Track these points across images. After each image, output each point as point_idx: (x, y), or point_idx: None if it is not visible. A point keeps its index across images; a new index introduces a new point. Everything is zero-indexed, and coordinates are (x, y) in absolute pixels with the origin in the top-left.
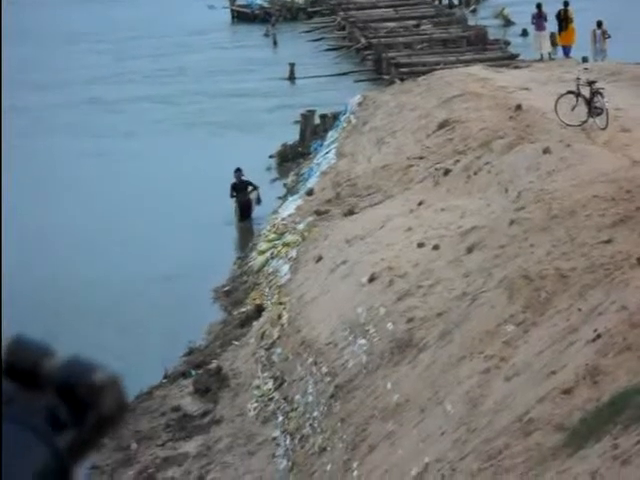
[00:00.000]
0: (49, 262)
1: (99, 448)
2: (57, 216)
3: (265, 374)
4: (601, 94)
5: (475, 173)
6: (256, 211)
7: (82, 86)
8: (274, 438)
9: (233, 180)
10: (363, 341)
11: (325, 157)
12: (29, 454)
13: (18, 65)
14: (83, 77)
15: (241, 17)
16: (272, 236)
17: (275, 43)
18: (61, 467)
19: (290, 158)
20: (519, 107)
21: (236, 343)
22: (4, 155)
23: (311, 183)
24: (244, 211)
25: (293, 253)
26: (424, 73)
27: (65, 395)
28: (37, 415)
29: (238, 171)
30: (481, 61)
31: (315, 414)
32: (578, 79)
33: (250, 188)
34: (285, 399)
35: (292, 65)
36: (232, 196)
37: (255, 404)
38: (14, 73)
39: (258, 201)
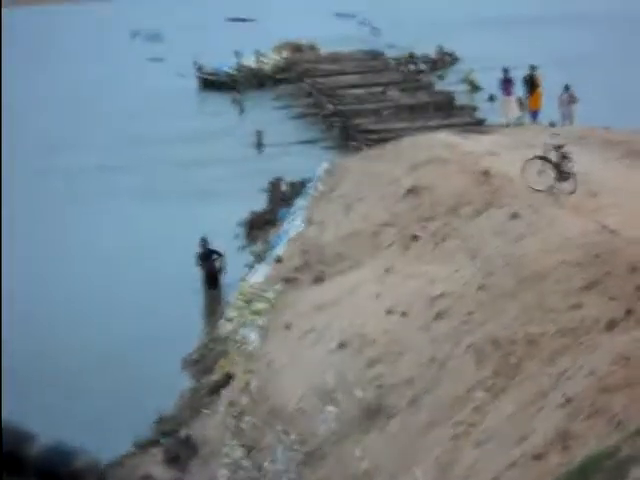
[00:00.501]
0: (15, 327)
1: None
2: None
3: (235, 442)
4: (569, 158)
5: (443, 239)
6: (224, 278)
7: (42, 153)
8: None
9: (199, 249)
10: (332, 408)
11: (293, 224)
12: None
13: None
14: (43, 143)
15: (208, 84)
16: (240, 303)
17: (242, 110)
18: None
19: (258, 226)
20: (487, 172)
21: (206, 411)
22: None
23: (279, 250)
24: (211, 279)
25: (261, 321)
26: (391, 139)
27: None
28: None
29: (203, 240)
30: (448, 126)
31: None
32: (546, 143)
33: (215, 256)
34: (255, 467)
35: (259, 132)
36: (198, 265)
37: (225, 472)
38: None
39: (222, 269)
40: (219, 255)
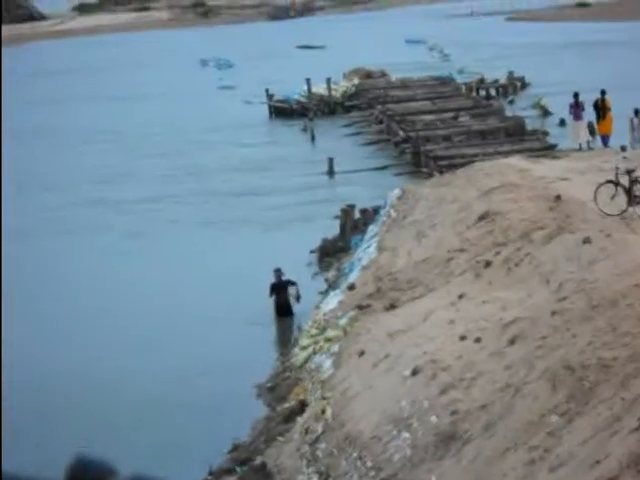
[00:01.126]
0: (89, 360)
1: None
2: (104, 309)
3: (310, 469)
4: None
5: (516, 264)
6: (297, 307)
7: (110, 185)
8: None
9: (272, 280)
10: (407, 434)
11: (366, 251)
12: None
13: (27, 165)
14: (106, 175)
15: (279, 112)
16: (314, 331)
17: (313, 138)
18: None
19: (331, 253)
20: (558, 197)
21: (280, 439)
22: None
23: (352, 277)
24: (284, 310)
25: (335, 348)
26: (463, 165)
27: None
28: None
29: (278, 271)
30: (519, 152)
31: None
32: (617, 168)
33: (290, 287)
34: None
35: (331, 160)
36: (271, 296)
37: None
38: (22, 174)
39: (298, 298)
40: (293, 284)
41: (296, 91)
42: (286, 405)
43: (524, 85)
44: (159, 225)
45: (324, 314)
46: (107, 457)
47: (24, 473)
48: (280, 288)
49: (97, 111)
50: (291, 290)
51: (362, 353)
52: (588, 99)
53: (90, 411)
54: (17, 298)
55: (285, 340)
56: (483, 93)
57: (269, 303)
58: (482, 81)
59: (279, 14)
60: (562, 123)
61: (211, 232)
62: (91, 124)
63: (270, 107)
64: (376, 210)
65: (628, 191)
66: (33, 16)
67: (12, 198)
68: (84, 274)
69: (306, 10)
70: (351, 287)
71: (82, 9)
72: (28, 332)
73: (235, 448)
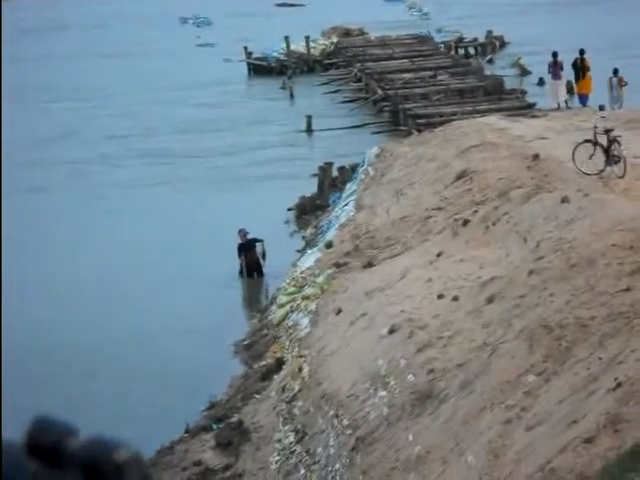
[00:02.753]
0: (66, 318)
1: None
2: (70, 274)
3: (286, 427)
4: (618, 142)
5: (494, 223)
6: (272, 265)
7: (93, 142)
8: None
9: (239, 241)
10: (384, 393)
11: (343, 209)
12: None
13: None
14: (93, 133)
15: (257, 70)
16: (291, 289)
17: (292, 95)
18: None
19: (308, 211)
20: (537, 156)
21: (257, 397)
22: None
23: (330, 236)
24: (254, 270)
25: (313, 306)
26: (441, 124)
27: (89, 473)
28: None
29: (242, 231)
30: (498, 111)
31: (337, 467)
32: (595, 127)
33: (257, 244)
34: (307, 452)
35: (309, 117)
36: (240, 256)
37: (277, 457)
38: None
39: (263, 255)
40: (259, 241)
41: (275, 49)
42: (263, 363)
43: (503, 44)
44: (140, 182)
45: (301, 272)
46: (77, 418)
47: None
48: (248, 248)
49: (74, 69)
50: (258, 247)
51: (339, 311)
52: (567, 58)
53: (64, 372)
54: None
55: (254, 300)
56: (462, 52)
57: (238, 265)
58: (461, 40)
59: None
60: (541, 82)
61: (186, 191)
62: (64, 82)
63: (249, 65)
64: (354, 168)
65: (606, 150)
66: None
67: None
68: (74, 231)
69: None
70: (329, 245)
71: None
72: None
73: (212, 406)
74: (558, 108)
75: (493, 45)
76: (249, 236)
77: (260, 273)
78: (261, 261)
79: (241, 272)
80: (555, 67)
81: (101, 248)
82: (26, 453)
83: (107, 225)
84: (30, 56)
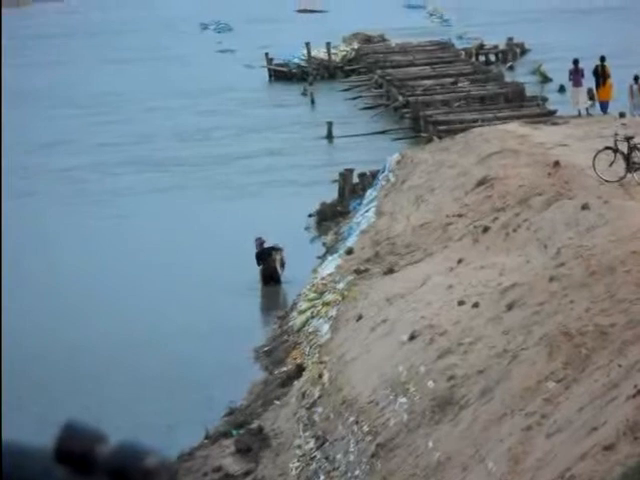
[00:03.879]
0: (85, 326)
1: None
2: (87, 281)
3: (306, 433)
4: (639, 149)
5: (514, 230)
6: (292, 272)
7: (111, 147)
8: None
9: (256, 249)
10: (404, 399)
11: (364, 216)
12: None
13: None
14: (108, 138)
15: (278, 76)
16: (312, 295)
17: (312, 102)
18: None
19: (329, 217)
20: (557, 163)
21: (277, 403)
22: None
23: (350, 242)
24: (270, 278)
25: (333, 312)
26: (462, 130)
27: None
28: None
29: (259, 239)
30: (518, 118)
31: (357, 473)
32: (616, 135)
33: (275, 252)
34: (327, 458)
35: (330, 124)
36: (259, 264)
37: (297, 463)
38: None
39: (282, 264)
40: (277, 250)
41: (296, 55)
42: (283, 369)
43: (524, 51)
44: (165, 188)
45: (322, 278)
46: (97, 425)
47: (17, 442)
48: (265, 256)
49: (89, 75)
50: (276, 256)
51: (360, 317)
52: (588, 66)
53: (86, 377)
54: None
55: (273, 307)
56: (483, 59)
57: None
58: (482, 47)
59: None
60: (561, 89)
61: (207, 198)
62: (77, 88)
63: (270, 71)
64: (375, 174)
65: (627, 157)
66: None
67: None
68: (91, 236)
69: None
70: (349, 251)
71: None
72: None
73: (232, 412)
74: (579, 115)
75: (514, 52)
76: (267, 244)
77: (276, 281)
78: (278, 269)
79: (261, 280)
80: (576, 74)
81: (121, 255)
82: (55, 459)
83: (123, 232)
84: (48, 62)
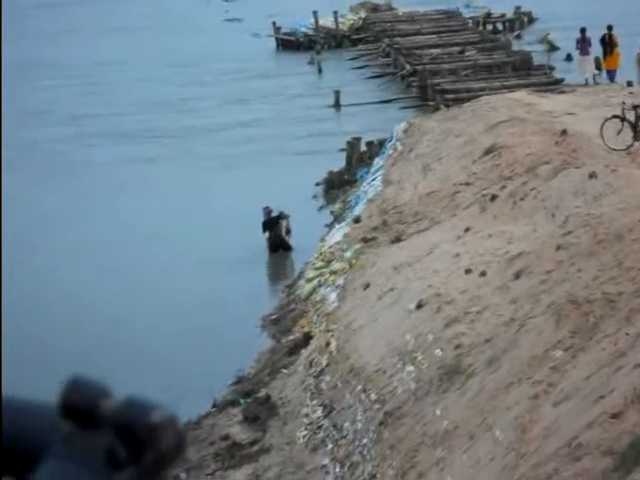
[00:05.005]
0: (93, 295)
1: None
2: (100, 249)
3: (314, 402)
4: None
5: (522, 199)
6: (300, 240)
7: (123, 114)
8: (323, 466)
9: (263, 218)
10: (411, 368)
11: (371, 184)
12: None
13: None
14: (124, 104)
15: (285, 45)
16: (319, 264)
17: (320, 70)
18: None
19: (336, 185)
20: (564, 132)
21: (285, 371)
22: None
23: (358, 210)
24: (278, 246)
25: (341, 281)
26: (469, 99)
27: (123, 434)
28: (95, 454)
29: (266, 208)
30: (526, 86)
31: (364, 441)
32: (623, 103)
33: (282, 220)
34: (334, 427)
35: (337, 92)
36: (265, 233)
37: (304, 432)
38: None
39: (288, 231)
40: (284, 217)
41: (303, 24)
42: (290, 338)
43: (531, 20)
44: (171, 156)
45: (329, 247)
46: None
47: (24, 397)
48: (272, 224)
49: (90, 45)
50: (283, 224)
51: (367, 286)
52: (595, 34)
53: (87, 348)
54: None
55: (281, 275)
56: (490, 27)
57: (265, 240)
58: (489, 15)
59: None
60: (569, 58)
61: (220, 164)
62: (75, 58)
63: (277, 40)
64: (382, 143)
65: (634, 126)
66: None
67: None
68: (98, 204)
69: None
70: (357, 220)
71: None
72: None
73: (239, 380)
74: (586, 84)
75: (521, 21)
76: (274, 213)
77: (286, 248)
78: (284, 237)
79: (268, 249)
80: (583, 43)
81: (125, 225)
82: (60, 414)
83: (127, 203)
84: (52, 32)
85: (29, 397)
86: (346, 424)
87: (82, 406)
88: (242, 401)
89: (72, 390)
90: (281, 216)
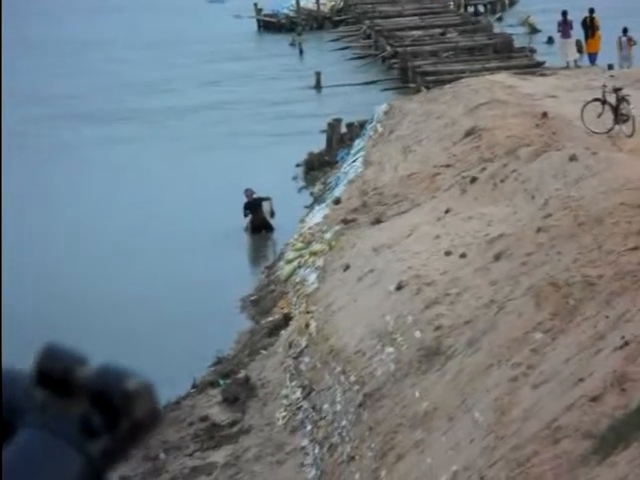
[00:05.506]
0: (72, 273)
1: (130, 456)
2: (77, 229)
3: (293, 383)
4: (627, 101)
5: (502, 181)
6: (280, 222)
7: (98, 95)
8: (303, 447)
9: (245, 200)
10: (391, 349)
11: (352, 166)
12: (62, 462)
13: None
14: (99, 86)
15: (267, 26)
16: (299, 245)
17: (301, 52)
18: (93, 474)
19: (317, 167)
20: (545, 115)
21: (264, 352)
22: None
23: (338, 192)
24: (261, 228)
25: (320, 262)
26: (450, 81)
27: (98, 402)
28: (70, 423)
29: (248, 190)
30: (507, 69)
31: (343, 423)
32: (604, 86)
33: (264, 203)
34: (313, 408)
35: (318, 74)
36: (246, 215)
37: (283, 413)
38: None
39: (272, 213)
40: (267, 200)
41: (285, 5)
42: (270, 319)
43: (512, 2)
44: (150, 137)
45: (309, 228)
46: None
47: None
48: (254, 206)
49: (72, 25)
50: (265, 206)
51: (347, 267)
52: (577, 17)
53: (68, 328)
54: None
55: (262, 256)
56: (471, 10)
57: (244, 223)
58: None
59: None
60: (550, 41)
61: (196, 148)
62: (90, 35)
63: (258, 21)
64: (362, 124)
65: (615, 109)
66: None
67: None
68: (79, 183)
69: None
70: (337, 201)
71: None
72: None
73: (219, 361)
74: (567, 67)
75: (503, 3)
76: (255, 195)
77: (268, 229)
78: (268, 219)
79: (247, 229)
80: (565, 26)
81: (101, 208)
82: (34, 382)
83: (110, 183)
84: (39, 11)
85: (1, 366)
86: (325, 405)
87: (57, 373)
88: (221, 382)
89: (47, 357)
90: (264, 198)
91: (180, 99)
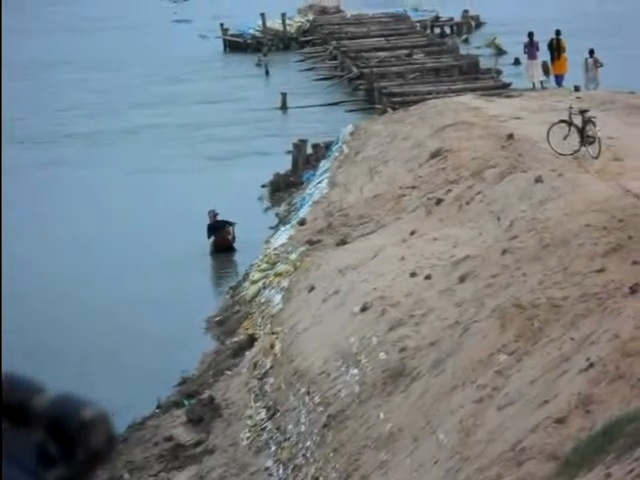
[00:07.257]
0: (37, 292)
1: (93, 478)
2: (28, 256)
3: (258, 404)
4: (593, 123)
5: (467, 202)
6: (242, 243)
7: (56, 116)
8: (267, 468)
9: (208, 221)
10: (355, 371)
11: (317, 187)
12: None
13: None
14: (57, 107)
15: (233, 47)
16: (264, 266)
17: (267, 72)
18: None
19: (282, 188)
20: (511, 136)
21: (229, 373)
22: None
23: (303, 213)
24: (224, 249)
25: (285, 283)
26: (416, 102)
27: (55, 431)
28: (27, 452)
29: (212, 212)
30: (473, 90)
31: (308, 444)
32: (570, 108)
33: (228, 227)
34: (278, 429)
35: (284, 95)
36: (209, 237)
37: (248, 434)
38: None
39: (233, 238)
40: (231, 224)
41: (251, 26)
42: (235, 339)
43: (479, 24)
44: (118, 158)
45: (274, 249)
46: (35, 378)
47: None
48: (217, 229)
49: (58, 43)
50: (229, 230)
51: (312, 288)
52: (543, 39)
53: (34, 348)
54: None
55: (226, 277)
56: (438, 31)
57: (207, 244)
58: (437, 19)
59: None
60: (516, 62)
61: (163, 164)
62: (54, 56)
63: (225, 41)
64: (328, 146)
65: (581, 131)
66: None
67: None
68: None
69: None
70: (302, 222)
71: None
72: None
73: (183, 381)
74: (533, 88)
75: (469, 24)
76: (219, 217)
77: (230, 250)
78: (230, 240)
79: (211, 252)
80: (531, 47)
81: (73, 227)
82: None
83: (74, 206)
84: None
85: None
86: (290, 426)
87: (13, 403)
88: (186, 402)
89: (3, 387)
90: (228, 222)
91: (136, 120)
